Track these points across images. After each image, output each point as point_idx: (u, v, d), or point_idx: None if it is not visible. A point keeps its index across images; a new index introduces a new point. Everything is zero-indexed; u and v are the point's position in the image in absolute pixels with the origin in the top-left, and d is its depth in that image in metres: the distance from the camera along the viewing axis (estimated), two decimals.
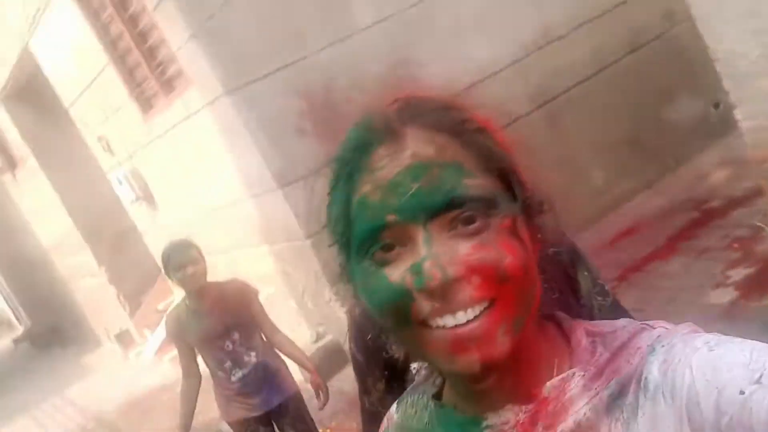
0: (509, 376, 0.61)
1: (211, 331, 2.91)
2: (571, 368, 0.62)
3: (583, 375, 0.61)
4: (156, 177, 6.14)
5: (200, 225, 5.86)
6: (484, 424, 0.63)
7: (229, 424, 3.04)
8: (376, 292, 0.60)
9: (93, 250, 8.72)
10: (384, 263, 0.59)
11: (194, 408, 3.01)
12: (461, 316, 0.57)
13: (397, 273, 0.58)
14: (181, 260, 2.87)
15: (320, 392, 2.99)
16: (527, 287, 0.60)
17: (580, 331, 0.65)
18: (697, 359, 0.56)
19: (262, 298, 5.51)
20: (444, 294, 0.57)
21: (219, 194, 5.31)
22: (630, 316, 1.16)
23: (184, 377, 3.03)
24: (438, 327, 0.58)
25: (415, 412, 0.72)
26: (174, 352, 7.83)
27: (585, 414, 0.59)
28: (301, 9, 4.57)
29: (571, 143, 5.34)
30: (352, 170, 0.62)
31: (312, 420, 3.10)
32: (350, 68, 4.69)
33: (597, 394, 0.60)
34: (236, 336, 2.94)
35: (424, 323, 0.59)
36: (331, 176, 0.64)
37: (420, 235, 0.58)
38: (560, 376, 0.62)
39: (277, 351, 3.08)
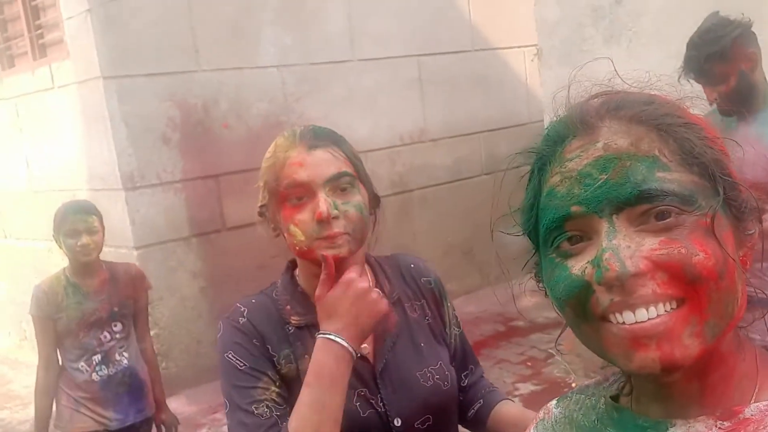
0: (703, 385, 0.59)
1: (93, 315, 2.51)
2: None
3: None
4: None
5: (20, 204, 5.43)
6: (670, 430, 0.60)
7: None
8: (558, 283, 0.59)
9: None
10: (568, 256, 0.59)
11: (52, 406, 2.54)
12: (641, 314, 0.55)
13: (578, 265, 0.58)
14: (77, 226, 2.48)
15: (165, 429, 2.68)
16: (724, 291, 0.56)
17: None
18: None
19: None
20: (624, 288, 0.55)
21: (54, 177, 4.98)
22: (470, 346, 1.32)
23: (43, 368, 2.53)
24: (617, 323, 0.56)
25: (580, 409, 0.70)
26: None
27: None
28: (205, 25, 4.60)
29: (414, 235, 5.69)
30: (544, 162, 0.63)
31: None
32: (235, 97, 4.74)
33: None
34: (118, 327, 2.57)
35: (603, 317, 0.57)
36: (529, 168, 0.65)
37: (604, 227, 0.56)
38: (767, 402, 0.58)
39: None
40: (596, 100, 0.62)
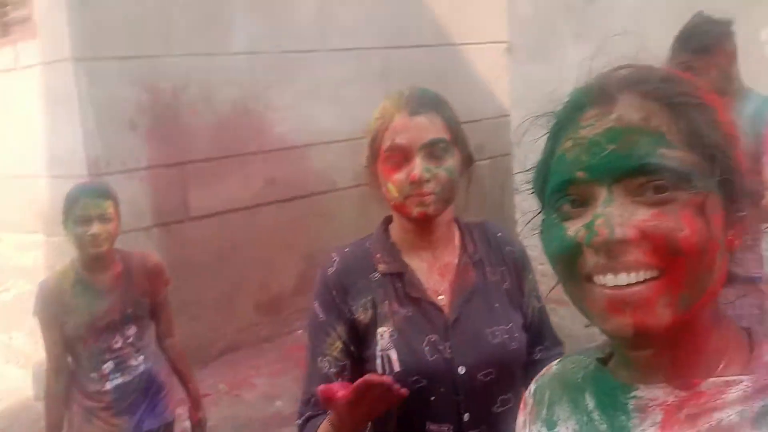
0: (670, 356, 0.63)
1: (104, 318, 2.22)
2: (740, 375, 0.62)
3: (749, 386, 0.61)
4: None
5: None
6: (632, 393, 0.65)
7: None
8: (552, 241, 0.64)
9: None
10: (567, 218, 0.63)
11: (63, 412, 2.28)
12: (623, 278, 0.59)
13: (574, 227, 0.62)
14: (88, 212, 2.15)
15: (197, 430, 2.45)
16: (702, 267, 0.59)
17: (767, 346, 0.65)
18: None
19: (11, 296, 4.94)
20: (610, 252, 0.59)
21: (12, 163, 4.81)
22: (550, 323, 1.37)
23: (53, 372, 2.24)
24: (600, 284, 0.60)
25: (573, 368, 0.75)
26: None
27: (731, 417, 0.59)
28: (179, 11, 4.54)
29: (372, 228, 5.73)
30: (561, 127, 0.66)
31: None
32: (205, 83, 4.70)
33: (752, 405, 0.60)
34: (132, 330, 2.28)
35: (588, 278, 0.61)
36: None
37: (603, 195, 0.60)
38: (725, 378, 0.62)
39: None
40: (621, 71, 0.65)
